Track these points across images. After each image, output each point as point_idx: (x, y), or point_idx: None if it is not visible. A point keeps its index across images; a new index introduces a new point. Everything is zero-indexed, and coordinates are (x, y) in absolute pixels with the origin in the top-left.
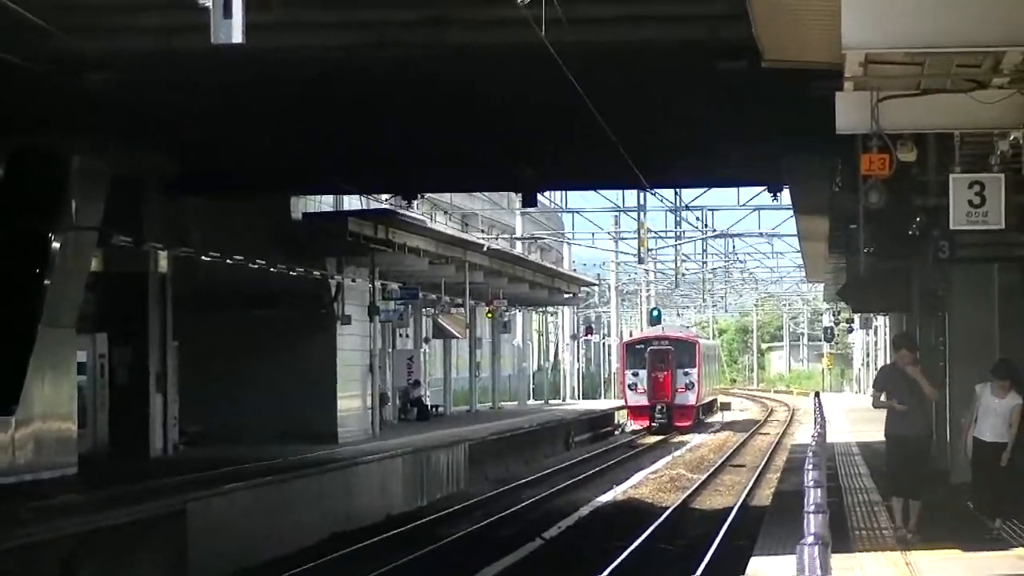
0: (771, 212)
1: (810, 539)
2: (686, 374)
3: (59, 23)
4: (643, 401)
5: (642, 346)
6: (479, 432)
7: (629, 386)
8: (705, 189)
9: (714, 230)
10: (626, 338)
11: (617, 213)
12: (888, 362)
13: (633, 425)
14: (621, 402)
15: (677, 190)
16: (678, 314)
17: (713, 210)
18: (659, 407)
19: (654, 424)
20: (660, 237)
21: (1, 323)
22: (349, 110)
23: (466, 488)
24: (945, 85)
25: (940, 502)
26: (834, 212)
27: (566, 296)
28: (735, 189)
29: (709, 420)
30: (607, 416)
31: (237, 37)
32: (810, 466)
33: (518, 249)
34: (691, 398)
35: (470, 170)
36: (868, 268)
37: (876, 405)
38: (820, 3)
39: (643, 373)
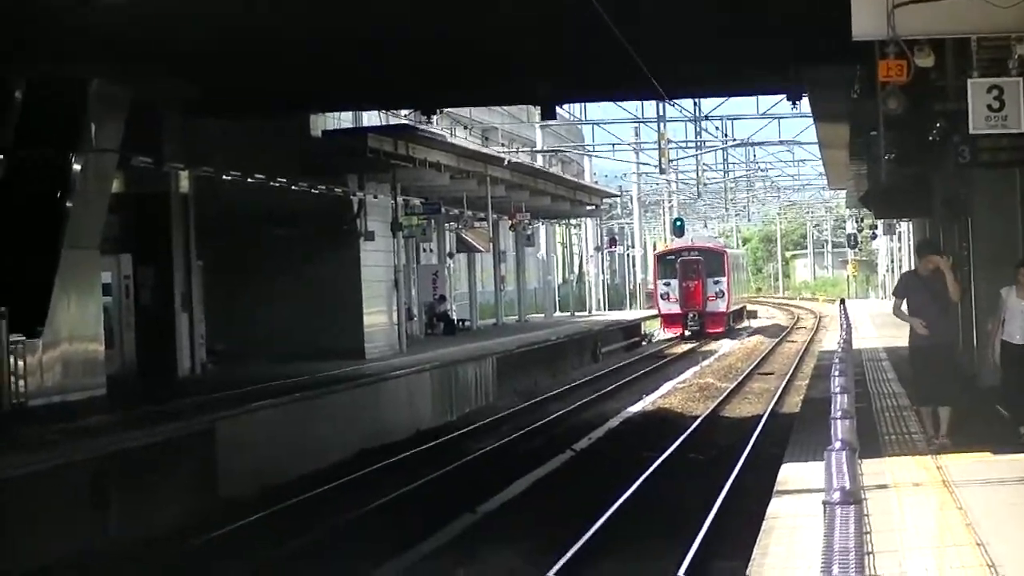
0: (791, 120)
1: (837, 445)
2: (716, 283)
3: None
4: (675, 310)
5: (673, 257)
6: (506, 345)
7: (661, 295)
8: (724, 99)
9: (735, 139)
10: (657, 250)
11: (637, 124)
12: (910, 268)
13: (667, 333)
14: (647, 312)
15: (696, 100)
16: (704, 225)
17: (733, 119)
18: (691, 315)
19: (687, 332)
20: (681, 147)
21: (25, 247)
22: (364, 25)
23: (495, 402)
24: None
25: (969, 407)
26: (854, 119)
27: (588, 208)
28: (754, 98)
29: (739, 327)
30: (634, 326)
31: None
32: (836, 372)
33: (539, 162)
34: (721, 306)
35: (488, 84)
36: (889, 174)
37: (897, 313)
38: None
39: (674, 283)
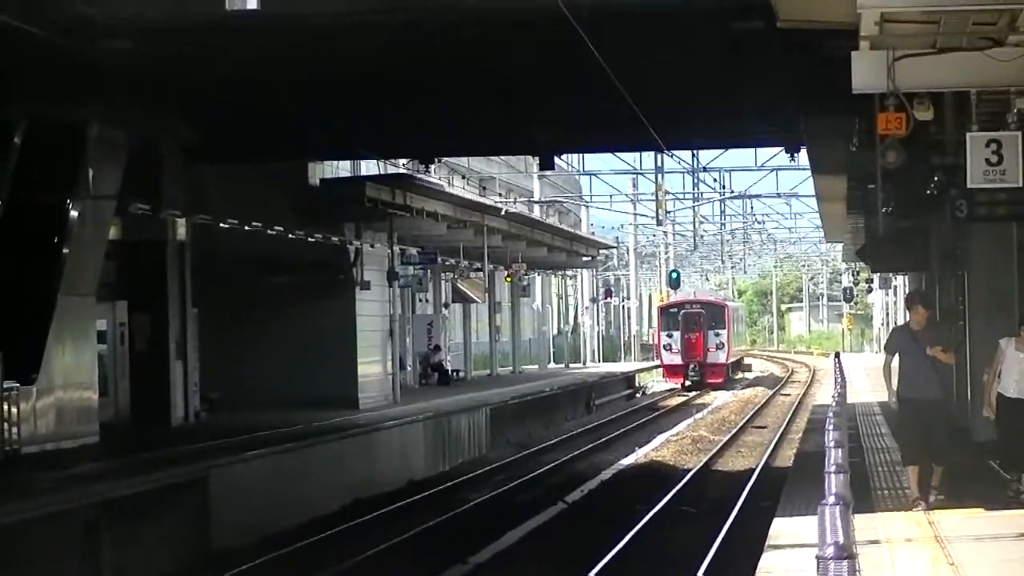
0: (789, 173)
1: (831, 499)
2: (717, 335)
3: None
4: (677, 360)
5: (676, 310)
6: (500, 396)
7: (664, 346)
8: (722, 151)
9: (732, 191)
10: (659, 302)
11: (635, 175)
12: (902, 323)
13: (668, 383)
14: (642, 364)
15: (694, 152)
16: (706, 278)
17: (731, 171)
18: (692, 366)
19: (687, 382)
20: (678, 199)
21: (20, 292)
22: (365, 75)
23: (488, 452)
24: (961, 43)
25: (963, 461)
26: (852, 172)
27: (585, 259)
28: (752, 150)
29: (736, 377)
30: (628, 378)
31: (252, 3)
32: (831, 426)
33: (536, 213)
34: (722, 357)
35: (487, 134)
36: (887, 228)
37: (885, 372)
38: None
39: (677, 335)
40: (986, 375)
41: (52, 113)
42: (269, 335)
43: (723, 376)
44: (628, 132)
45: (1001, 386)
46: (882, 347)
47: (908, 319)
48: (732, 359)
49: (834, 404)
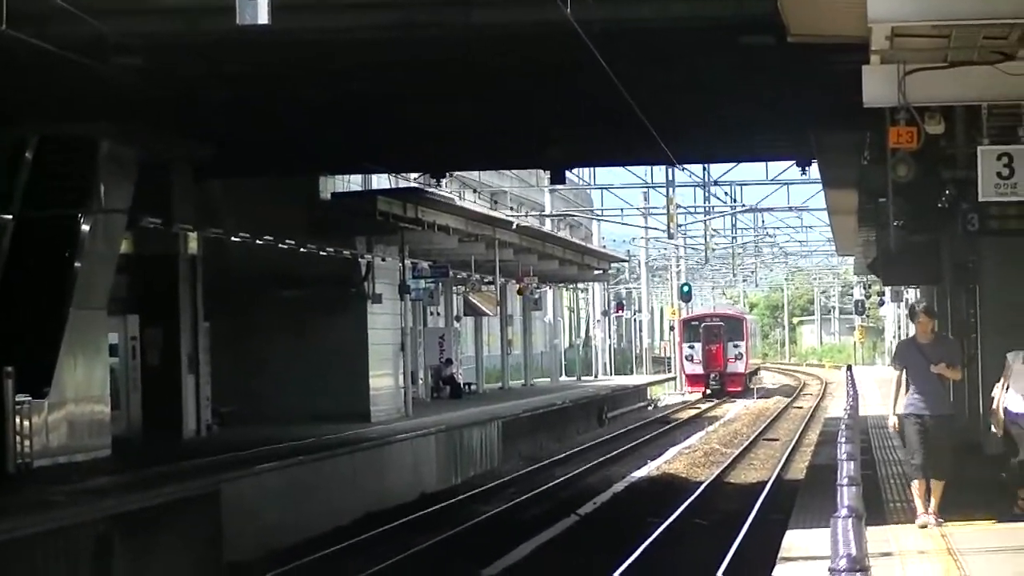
0: (800, 186)
1: (844, 512)
2: (736, 346)
3: (85, 6)
4: (699, 370)
5: (697, 323)
6: (512, 409)
7: (686, 357)
8: (733, 164)
9: (743, 205)
10: (673, 315)
11: (646, 189)
12: (908, 336)
13: (690, 391)
14: (654, 377)
15: (705, 165)
16: (722, 293)
17: (742, 185)
18: (713, 375)
19: (708, 390)
20: (689, 212)
21: (32, 306)
22: (376, 91)
23: (500, 465)
24: (972, 57)
25: (974, 475)
26: (863, 185)
27: (596, 272)
28: (763, 164)
29: (753, 386)
30: (640, 391)
31: (263, 18)
32: (843, 439)
33: (547, 226)
34: (740, 367)
35: (498, 148)
36: (898, 241)
37: (897, 386)
38: None
39: (698, 346)
40: (995, 389)
41: (63, 129)
42: (281, 349)
43: (742, 385)
44: (639, 146)
45: (1008, 400)
46: (890, 362)
47: (915, 332)
48: (751, 369)
49: (846, 417)
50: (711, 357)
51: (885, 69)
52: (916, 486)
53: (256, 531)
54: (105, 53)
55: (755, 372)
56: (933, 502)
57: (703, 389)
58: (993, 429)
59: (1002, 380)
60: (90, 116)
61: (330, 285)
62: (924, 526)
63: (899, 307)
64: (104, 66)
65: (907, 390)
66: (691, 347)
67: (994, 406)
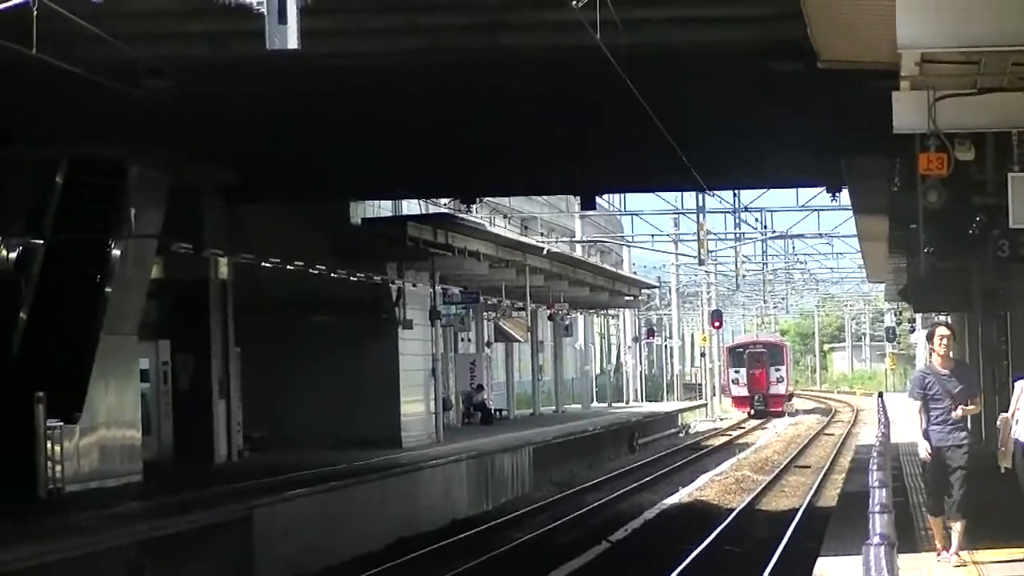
0: (830, 213)
1: (876, 539)
2: (777, 370)
3: (115, 31)
4: (744, 393)
5: (741, 349)
6: (543, 435)
7: (732, 381)
8: (764, 190)
9: (773, 231)
10: (728, 343)
11: (676, 215)
12: (925, 365)
13: (737, 412)
14: (685, 403)
15: (736, 191)
16: (761, 321)
17: (772, 211)
18: (756, 397)
19: (752, 411)
20: (720, 239)
21: (63, 331)
22: (406, 115)
23: (531, 492)
24: (1002, 83)
25: (1004, 501)
26: (893, 212)
27: (627, 298)
28: (794, 190)
29: (786, 412)
30: (671, 418)
31: (292, 43)
32: (875, 466)
33: (578, 252)
34: (781, 389)
35: (529, 174)
36: (928, 268)
37: (918, 418)
38: (875, 3)
39: (743, 371)
40: (1000, 420)
41: (94, 152)
42: (312, 374)
43: (782, 405)
44: (669, 172)
45: (1018, 431)
46: (908, 394)
47: (930, 360)
48: (790, 391)
49: (878, 444)
50: (755, 380)
51: (915, 95)
52: (932, 521)
53: (287, 557)
54: (137, 77)
55: (789, 397)
56: (955, 540)
57: (748, 409)
58: (1001, 462)
59: (1011, 410)
60: (121, 140)
61: (361, 311)
62: (947, 562)
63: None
64: (135, 90)
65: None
66: (736, 371)
67: (1001, 438)
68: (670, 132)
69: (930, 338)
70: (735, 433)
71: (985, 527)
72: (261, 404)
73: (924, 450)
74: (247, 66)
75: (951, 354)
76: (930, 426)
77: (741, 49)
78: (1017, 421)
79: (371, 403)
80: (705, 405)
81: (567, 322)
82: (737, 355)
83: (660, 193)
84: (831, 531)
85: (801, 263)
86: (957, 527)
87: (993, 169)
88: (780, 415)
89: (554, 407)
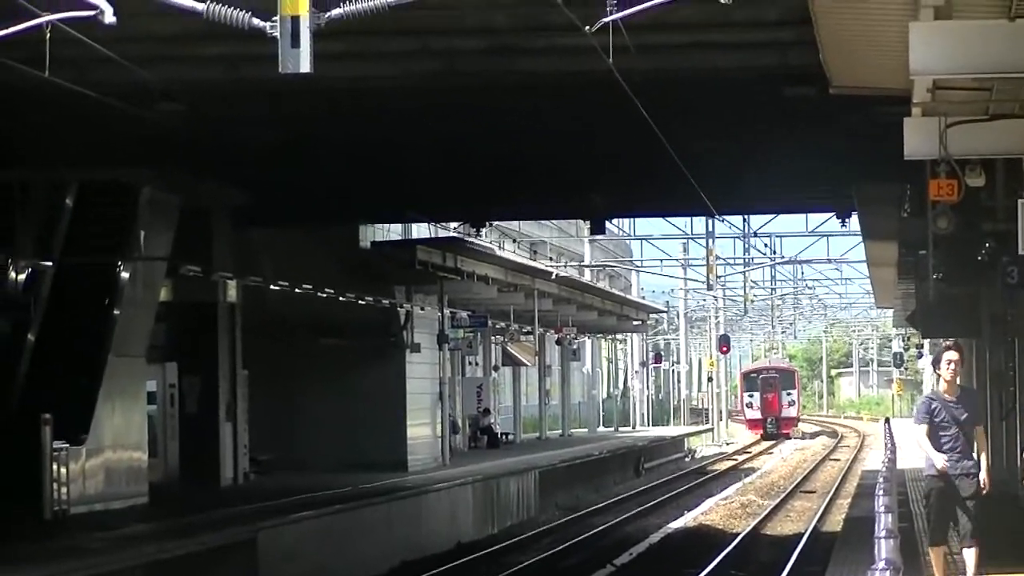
0: (840, 238)
1: (881, 564)
2: (788, 395)
3: (129, 54)
4: (757, 416)
5: (755, 375)
6: (549, 459)
7: (746, 404)
8: (773, 216)
9: (782, 257)
10: (743, 369)
11: (685, 240)
12: (931, 391)
13: (743, 436)
14: (691, 428)
15: (745, 217)
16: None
17: (781, 237)
18: (769, 419)
19: (766, 432)
20: (728, 264)
21: (71, 353)
22: (416, 138)
23: (536, 515)
24: (1013, 110)
25: (1014, 526)
26: (903, 238)
27: (635, 323)
28: (803, 215)
29: (793, 436)
30: (677, 442)
31: (305, 67)
32: (881, 491)
33: (587, 277)
34: (793, 412)
35: (538, 198)
36: (937, 294)
37: (922, 442)
38: (887, 30)
39: (757, 395)
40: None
41: (104, 174)
42: (319, 397)
43: (793, 427)
44: (679, 196)
45: None
46: (914, 419)
47: (935, 386)
48: (801, 414)
49: (884, 469)
50: (768, 404)
51: (926, 121)
52: (934, 554)
53: None
54: (150, 100)
55: (796, 422)
56: (971, 567)
57: (761, 431)
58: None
59: None
60: (131, 162)
61: (369, 334)
62: None
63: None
64: (148, 113)
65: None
66: (751, 395)
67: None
68: (680, 157)
69: (936, 363)
70: (741, 458)
71: (995, 553)
72: (268, 427)
73: (940, 461)
74: (259, 89)
75: (958, 380)
76: (934, 451)
77: (753, 75)
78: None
79: (378, 426)
80: (712, 430)
81: (575, 346)
82: (751, 380)
83: (669, 218)
84: (836, 556)
85: (809, 288)
86: (972, 554)
87: (1003, 195)
88: (789, 437)
89: (561, 431)
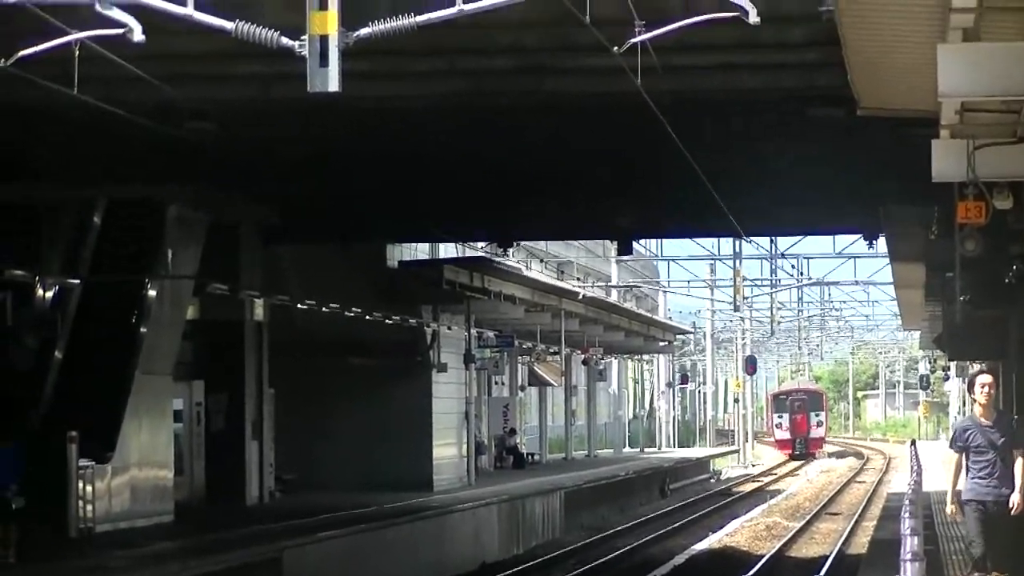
0: (867, 260)
1: None
2: (816, 415)
3: (157, 73)
4: (787, 436)
5: (784, 396)
6: (574, 480)
7: (776, 425)
8: (800, 237)
9: (809, 278)
10: (772, 391)
11: (713, 261)
12: (968, 416)
13: (769, 458)
14: (717, 449)
15: (772, 238)
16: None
17: (808, 258)
18: (798, 440)
19: (795, 452)
20: (756, 285)
21: (97, 371)
22: (445, 158)
23: (561, 536)
24: None
25: None
26: (930, 260)
27: (661, 344)
28: (830, 237)
29: (818, 457)
30: (703, 464)
31: (334, 86)
32: (907, 514)
33: (613, 297)
34: (820, 432)
35: (565, 218)
36: (964, 316)
37: (951, 471)
38: (916, 51)
39: (786, 416)
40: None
41: (132, 192)
42: (345, 416)
43: (821, 447)
44: (707, 217)
45: None
46: (948, 444)
47: (972, 411)
48: (828, 434)
49: (910, 492)
50: (796, 425)
51: (954, 144)
52: None
53: None
54: (179, 118)
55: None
56: None
57: (790, 451)
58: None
59: None
60: (159, 179)
61: (396, 353)
62: None
63: (964, 382)
64: (178, 131)
65: (967, 472)
66: (780, 417)
67: None
68: (708, 177)
69: (971, 388)
70: (766, 479)
71: None
72: (294, 445)
73: (950, 507)
74: (289, 108)
75: (992, 404)
76: (974, 479)
77: (779, 96)
78: None
79: (404, 446)
80: (738, 451)
81: (601, 367)
82: (780, 402)
83: (697, 239)
84: None
85: (836, 310)
86: None
87: None
88: (815, 456)
89: (586, 452)
